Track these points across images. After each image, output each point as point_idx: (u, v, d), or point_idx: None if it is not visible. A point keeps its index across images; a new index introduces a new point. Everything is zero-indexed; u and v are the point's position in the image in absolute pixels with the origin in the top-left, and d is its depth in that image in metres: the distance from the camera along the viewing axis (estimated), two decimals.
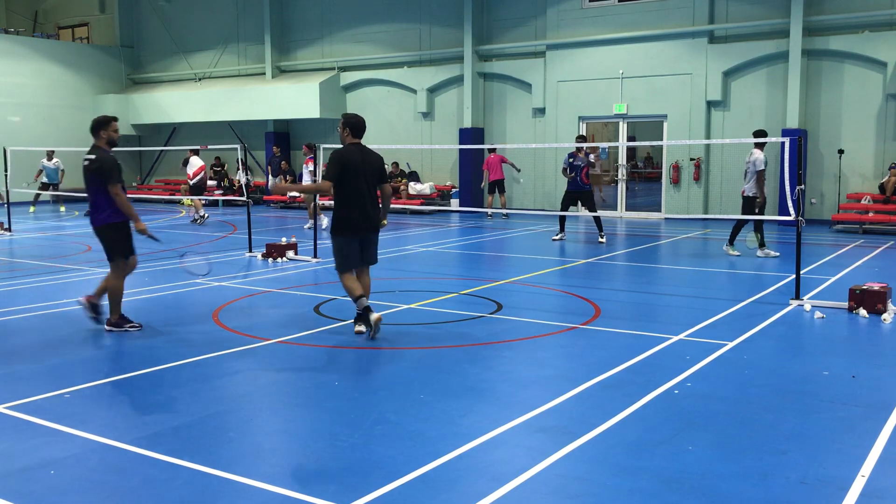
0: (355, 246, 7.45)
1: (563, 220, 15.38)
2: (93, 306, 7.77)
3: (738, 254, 12.75)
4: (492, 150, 20.45)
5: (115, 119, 7.71)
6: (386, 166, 9.59)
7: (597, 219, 14.98)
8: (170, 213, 22.38)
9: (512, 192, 21.82)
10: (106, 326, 7.67)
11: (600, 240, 14.79)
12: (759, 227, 12.74)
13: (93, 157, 7.51)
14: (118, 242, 7.57)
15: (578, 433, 4.84)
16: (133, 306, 8.94)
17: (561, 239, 15.17)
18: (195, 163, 18.24)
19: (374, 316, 7.26)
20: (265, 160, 25.83)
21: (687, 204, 19.46)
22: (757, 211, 12.38)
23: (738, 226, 13.20)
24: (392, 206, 22.05)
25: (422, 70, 23.25)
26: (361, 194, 7.34)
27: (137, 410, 5.47)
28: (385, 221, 7.76)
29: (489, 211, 20.14)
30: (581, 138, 16.13)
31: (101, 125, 7.59)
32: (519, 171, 20.75)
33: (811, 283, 10.07)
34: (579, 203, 15.14)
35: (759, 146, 12.38)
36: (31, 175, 22.49)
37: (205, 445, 4.74)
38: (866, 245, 14.38)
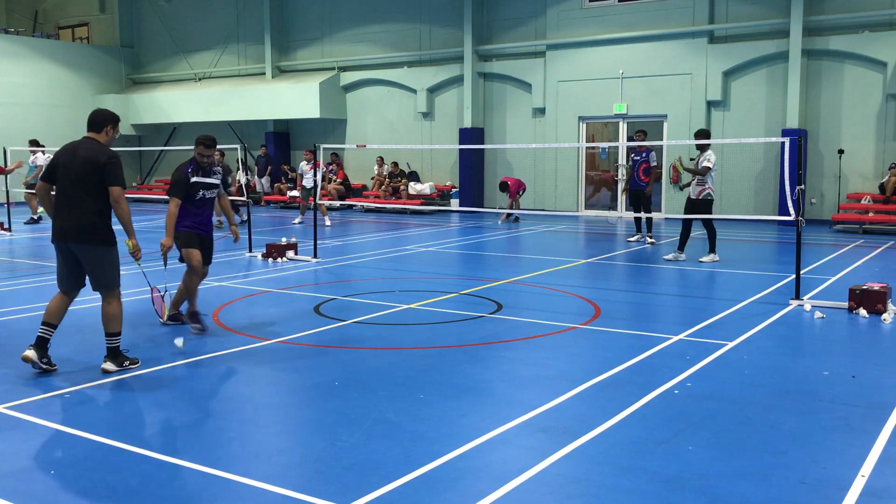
0: (59, 258, 6.33)
1: (637, 220, 14.97)
2: None
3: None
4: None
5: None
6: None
7: (648, 220, 14.65)
8: None
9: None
10: None
11: (649, 240, 14.49)
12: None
13: None
14: None
15: (578, 433, 4.84)
16: (134, 306, 8.95)
17: (639, 241, 14.64)
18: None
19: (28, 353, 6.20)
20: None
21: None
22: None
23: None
24: (392, 205, 22.19)
25: (422, 70, 23.25)
26: (66, 195, 6.21)
27: (137, 410, 5.47)
28: (129, 242, 6.28)
29: (506, 212, 19.77)
30: (641, 133, 15.13)
31: None
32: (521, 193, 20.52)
33: (811, 283, 10.07)
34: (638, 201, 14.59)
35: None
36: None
37: (205, 445, 4.74)
38: (866, 245, 14.37)
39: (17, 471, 4.39)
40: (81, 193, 6.12)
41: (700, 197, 12.03)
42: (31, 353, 6.17)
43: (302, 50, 25.72)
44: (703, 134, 12.26)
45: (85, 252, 6.18)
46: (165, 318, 7.64)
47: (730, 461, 4.44)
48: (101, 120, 6.34)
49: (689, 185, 12.32)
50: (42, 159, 19.67)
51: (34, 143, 20.28)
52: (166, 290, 7.67)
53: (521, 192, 20.25)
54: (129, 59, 29.61)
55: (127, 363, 6.36)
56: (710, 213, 12.12)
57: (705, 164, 11.98)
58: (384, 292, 9.71)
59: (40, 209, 20.60)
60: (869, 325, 7.94)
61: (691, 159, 14.20)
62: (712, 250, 12.28)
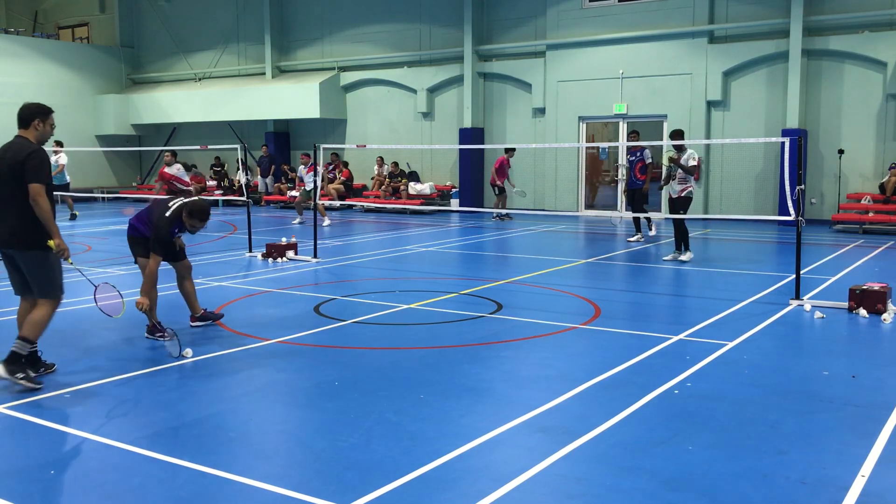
0: (7, 266, 6.05)
1: (636, 220, 15.16)
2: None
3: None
4: (509, 150, 19.75)
5: None
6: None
7: (641, 218, 14.95)
8: None
9: (512, 193, 21.77)
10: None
11: (637, 237, 14.82)
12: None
13: None
14: None
15: (578, 433, 4.84)
16: (129, 307, 8.94)
17: (638, 241, 14.82)
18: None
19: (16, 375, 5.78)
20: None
21: None
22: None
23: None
24: (392, 205, 22.19)
25: (422, 70, 23.25)
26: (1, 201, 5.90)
27: (137, 410, 5.47)
28: (52, 243, 5.78)
29: (494, 213, 19.88)
30: (634, 133, 15.78)
31: None
32: (514, 188, 20.38)
33: (811, 283, 10.07)
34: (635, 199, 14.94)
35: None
36: None
37: (205, 445, 4.74)
38: (866, 245, 14.37)
39: (17, 471, 4.39)
40: (11, 197, 5.75)
41: (683, 195, 12.11)
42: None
43: (302, 50, 25.72)
44: (679, 134, 12.30)
45: (22, 257, 5.84)
46: (119, 316, 6.83)
47: (730, 461, 4.44)
48: (28, 115, 5.85)
49: (667, 183, 12.38)
50: (64, 158, 19.89)
51: (59, 143, 20.39)
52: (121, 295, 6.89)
53: (507, 168, 19.86)
54: (129, 59, 29.61)
55: (21, 376, 5.66)
56: (686, 211, 12.22)
57: (692, 162, 12.03)
58: (384, 292, 9.71)
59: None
60: (869, 325, 7.94)
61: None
62: (686, 248, 12.36)
